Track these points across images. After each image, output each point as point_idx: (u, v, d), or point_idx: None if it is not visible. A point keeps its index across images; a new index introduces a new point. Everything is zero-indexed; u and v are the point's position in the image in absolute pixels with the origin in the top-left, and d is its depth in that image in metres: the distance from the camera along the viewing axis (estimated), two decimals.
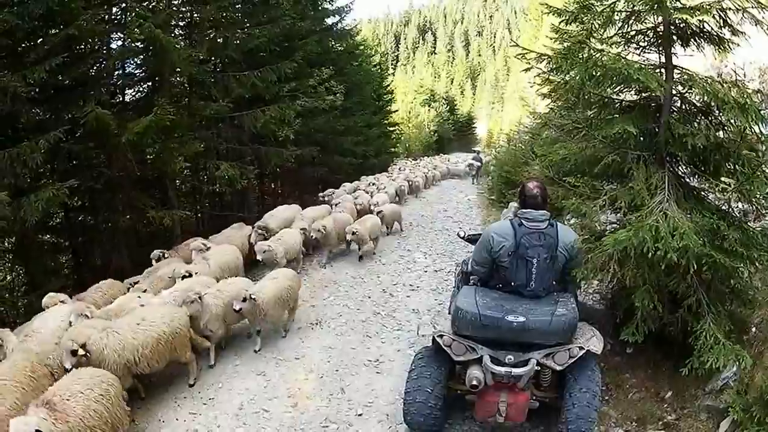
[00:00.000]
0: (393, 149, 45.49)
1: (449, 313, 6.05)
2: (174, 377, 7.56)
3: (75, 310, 6.95)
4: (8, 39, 9.93)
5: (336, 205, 16.11)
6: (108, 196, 12.75)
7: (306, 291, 10.83)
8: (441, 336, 5.26)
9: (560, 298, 5.29)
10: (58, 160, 11.35)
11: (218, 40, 14.93)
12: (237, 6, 16.48)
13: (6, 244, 12.84)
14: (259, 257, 10.71)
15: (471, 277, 5.95)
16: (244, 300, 7.52)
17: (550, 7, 6.92)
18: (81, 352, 5.76)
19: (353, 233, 12.56)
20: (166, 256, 10.66)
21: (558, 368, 5.00)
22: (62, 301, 7.70)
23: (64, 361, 5.70)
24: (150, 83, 14.54)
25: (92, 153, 11.83)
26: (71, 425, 4.84)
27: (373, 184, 23.39)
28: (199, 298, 7.30)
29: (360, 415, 6.45)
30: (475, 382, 4.98)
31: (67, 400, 5.01)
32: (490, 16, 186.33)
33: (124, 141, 10.59)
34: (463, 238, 7.41)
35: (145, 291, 8.50)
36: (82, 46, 12.10)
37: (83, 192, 12.30)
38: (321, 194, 19.34)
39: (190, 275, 8.84)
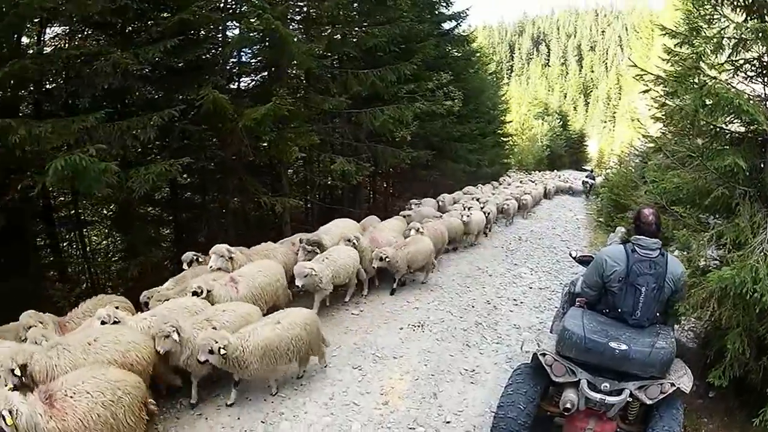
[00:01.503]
0: (506, 160, 44.84)
1: (551, 332, 6.22)
2: None
3: (29, 336, 6.09)
4: (119, 17, 10.28)
5: (407, 217, 14.56)
6: (219, 177, 13.14)
7: (411, 293, 10.90)
8: (544, 354, 5.19)
9: (661, 330, 5.19)
10: (170, 138, 11.60)
11: (335, 36, 15.11)
12: (354, 5, 16.51)
13: (106, 211, 13.39)
14: (298, 282, 8.72)
15: (577, 299, 5.88)
16: (211, 352, 5.95)
17: (664, 27, 6.84)
18: (18, 372, 5.09)
19: (381, 259, 10.30)
20: (200, 260, 9.29)
21: (648, 402, 4.86)
22: (40, 322, 6.62)
23: (6, 380, 4.99)
24: (266, 73, 14.78)
25: (206, 135, 12.04)
26: (67, 424, 4.57)
27: (476, 198, 21.29)
28: (177, 332, 5.99)
29: (448, 422, 6.36)
30: (569, 405, 4.95)
31: (71, 397, 4.73)
32: (602, 32, 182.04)
33: (241, 126, 10.76)
34: (574, 258, 7.31)
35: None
36: (197, 32, 12.35)
37: (194, 171, 12.60)
38: (409, 203, 17.88)
39: (200, 294, 7.43)
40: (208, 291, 7.51)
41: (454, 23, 24.48)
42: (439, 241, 12.82)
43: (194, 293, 7.37)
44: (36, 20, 9.76)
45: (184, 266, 9.17)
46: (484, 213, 17.01)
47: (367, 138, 16.33)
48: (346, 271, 9.68)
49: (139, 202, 11.71)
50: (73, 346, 5.50)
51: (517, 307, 10.45)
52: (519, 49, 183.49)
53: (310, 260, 9.49)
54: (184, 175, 12.57)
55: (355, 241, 10.37)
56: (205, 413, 6.46)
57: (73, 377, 4.93)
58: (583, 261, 6.93)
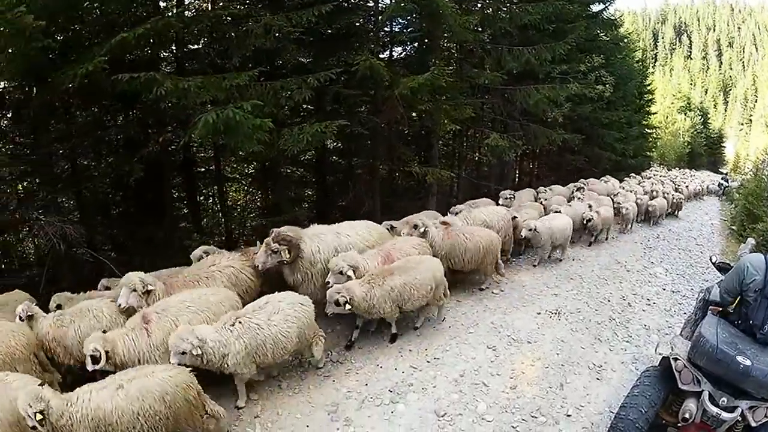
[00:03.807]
0: (649, 153, 43.19)
1: (679, 334, 6.16)
2: (407, 328, 7.91)
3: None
4: None
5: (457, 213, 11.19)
6: (370, 143, 13.27)
7: (551, 278, 10.89)
8: (676, 359, 5.16)
9: None
10: (323, 101, 11.75)
11: (487, 11, 14.98)
12: None
13: (247, 169, 13.95)
14: (173, 360, 5.32)
15: (710, 307, 5.73)
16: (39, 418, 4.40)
17: None
18: None
19: (338, 303, 6.73)
20: (213, 253, 7.79)
21: (753, 424, 4.76)
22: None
23: None
24: (418, 43, 14.77)
25: (359, 100, 12.20)
26: None
27: (576, 192, 17.47)
28: None
29: (569, 415, 6.34)
30: (687, 415, 4.91)
31: None
32: (738, 28, 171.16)
33: (397, 94, 10.83)
34: (714, 263, 7.08)
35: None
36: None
37: (344, 135, 12.68)
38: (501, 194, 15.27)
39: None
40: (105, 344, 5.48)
41: (602, 6, 23.90)
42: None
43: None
44: None
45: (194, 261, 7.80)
46: (585, 219, 13.48)
47: (521, 116, 16.27)
48: (280, 346, 6.01)
49: (286, 162, 12.10)
50: None
51: (650, 308, 10.21)
52: (662, 38, 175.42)
53: (276, 264, 7.31)
54: (334, 139, 12.84)
55: (350, 273, 7.20)
56: (333, 375, 6.70)
57: None
58: (722, 268, 6.74)
